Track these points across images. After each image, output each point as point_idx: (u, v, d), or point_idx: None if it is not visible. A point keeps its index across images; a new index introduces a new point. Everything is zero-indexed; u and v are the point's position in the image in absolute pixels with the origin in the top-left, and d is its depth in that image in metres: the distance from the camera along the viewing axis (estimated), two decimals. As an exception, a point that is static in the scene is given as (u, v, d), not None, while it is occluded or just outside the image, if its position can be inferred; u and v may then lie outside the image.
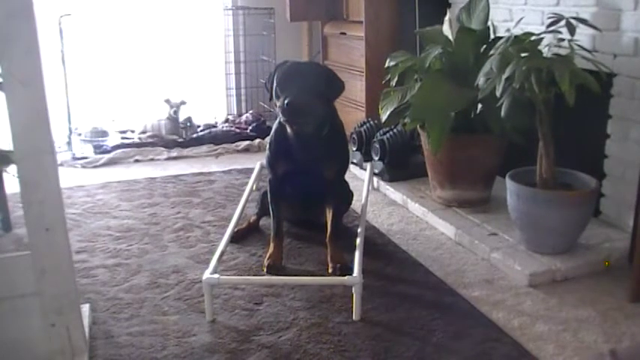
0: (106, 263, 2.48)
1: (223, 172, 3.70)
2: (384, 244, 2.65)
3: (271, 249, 2.43)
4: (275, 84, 2.30)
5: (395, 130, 3.33)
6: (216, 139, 4.27)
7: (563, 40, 2.30)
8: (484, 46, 2.76)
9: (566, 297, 2.19)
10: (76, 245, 2.62)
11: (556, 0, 2.74)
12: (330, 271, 2.34)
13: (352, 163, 3.63)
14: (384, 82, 3.05)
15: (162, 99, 4.30)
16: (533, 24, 2.82)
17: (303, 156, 2.36)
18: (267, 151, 2.50)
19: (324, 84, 2.32)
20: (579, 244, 2.44)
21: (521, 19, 2.82)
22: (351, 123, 3.94)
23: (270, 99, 2.38)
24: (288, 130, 2.36)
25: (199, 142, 4.22)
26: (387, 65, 3.02)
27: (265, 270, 2.36)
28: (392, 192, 3.22)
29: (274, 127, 2.44)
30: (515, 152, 2.75)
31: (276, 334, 1.97)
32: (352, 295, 2.04)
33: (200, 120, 4.56)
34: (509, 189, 2.43)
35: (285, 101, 2.21)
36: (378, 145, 3.35)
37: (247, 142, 4.25)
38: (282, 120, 2.30)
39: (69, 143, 4.09)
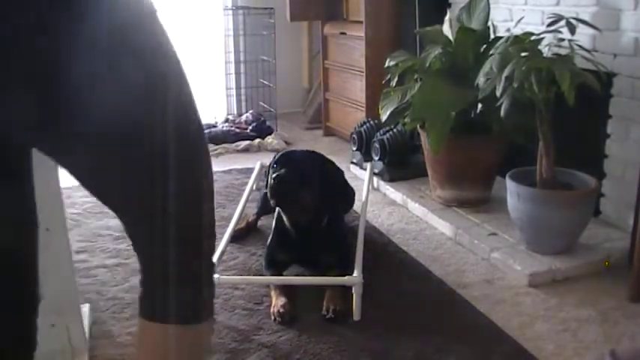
0: (106, 263, 2.48)
1: (223, 172, 3.69)
2: (384, 244, 2.65)
3: (275, 297, 2.14)
4: (270, 171, 2.21)
5: (395, 130, 3.33)
6: (216, 139, 4.26)
7: (563, 40, 2.30)
8: (484, 46, 2.75)
9: (566, 297, 2.19)
10: (76, 245, 2.61)
11: (556, 0, 2.74)
12: (322, 312, 2.06)
13: (352, 163, 3.64)
14: (384, 82, 3.05)
15: (162, 99, 4.29)
16: (533, 24, 2.81)
17: (301, 251, 2.28)
18: (266, 249, 2.39)
19: (323, 174, 2.23)
20: (579, 244, 2.44)
21: (521, 19, 2.82)
22: (351, 123, 3.94)
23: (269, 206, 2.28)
24: (286, 222, 2.25)
25: (199, 142, 4.21)
26: (387, 65, 3.02)
27: (279, 320, 2.05)
28: (392, 192, 3.22)
29: (273, 224, 2.35)
30: (515, 152, 2.75)
31: (276, 334, 1.97)
32: (352, 295, 2.04)
33: (200, 120, 4.55)
34: (509, 189, 2.42)
35: (274, 175, 2.10)
36: (378, 145, 3.35)
37: (247, 142, 4.25)
38: (270, 200, 2.17)
39: (69, 143, 4.08)
